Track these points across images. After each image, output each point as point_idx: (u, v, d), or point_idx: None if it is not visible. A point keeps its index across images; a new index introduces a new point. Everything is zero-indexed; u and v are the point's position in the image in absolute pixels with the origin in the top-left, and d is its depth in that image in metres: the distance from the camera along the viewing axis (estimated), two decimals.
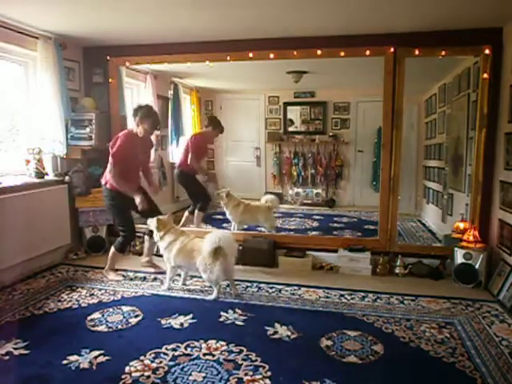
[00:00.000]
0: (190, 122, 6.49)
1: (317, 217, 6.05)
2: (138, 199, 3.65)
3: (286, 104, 6.78)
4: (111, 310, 3.15)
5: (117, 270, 4.01)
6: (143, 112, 3.63)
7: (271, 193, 6.06)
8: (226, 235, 3.32)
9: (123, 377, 2.28)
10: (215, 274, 3.28)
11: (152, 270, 4.00)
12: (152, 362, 2.43)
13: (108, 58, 4.55)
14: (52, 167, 4.27)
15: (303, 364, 2.44)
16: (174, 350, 2.56)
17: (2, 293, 3.41)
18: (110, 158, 3.63)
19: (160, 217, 3.59)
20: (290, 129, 6.84)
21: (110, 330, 2.84)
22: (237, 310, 3.14)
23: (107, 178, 3.71)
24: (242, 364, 2.41)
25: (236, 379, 2.27)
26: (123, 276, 3.87)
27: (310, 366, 2.42)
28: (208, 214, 6.28)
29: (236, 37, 4.10)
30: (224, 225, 5.36)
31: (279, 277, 3.90)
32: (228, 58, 4.21)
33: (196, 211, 5.04)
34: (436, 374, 2.36)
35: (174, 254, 3.46)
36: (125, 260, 4.35)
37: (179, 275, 3.67)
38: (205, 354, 2.52)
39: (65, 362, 2.42)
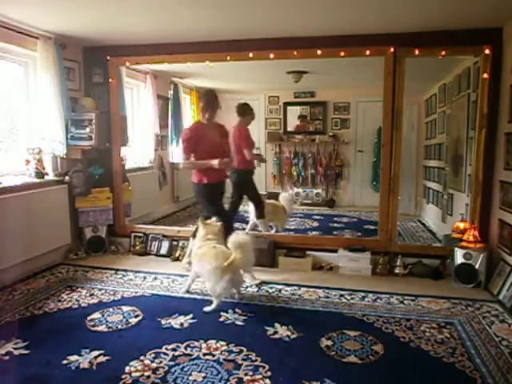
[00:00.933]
0: (190, 122, 6.50)
1: (317, 217, 6.06)
2: (215, 162, 3.61)
3: (286, 104, 6.79)
4: (111, 309, 3.15)
5: (117, 270, 4.01)
6: (200, 98, 3.88)
7: (273, 193, 6.08)
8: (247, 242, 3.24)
9: (123, 377, 2.28)
10: (219, 289, 3.10)
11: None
12: (152, 362, 2.43)
13: (108, 58, 4.55)
14: (52, 167, 4.26)
15: (303, 364, 2.44)
16: (174, 350, 2.56)
17: (1, 293, 3.41)
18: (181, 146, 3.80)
19: (208, 221, 3.51)
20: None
21: (110, 329, 2.84)
22: (237, 310, 3.14)
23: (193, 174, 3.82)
24: (241, 364, 2.41)
25: (236, 379, 2.27)
26: (122, 275, 3.88)
27: (310, 365, 2.42)
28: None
29: (236, 37, 4.10)
30: None
31: (279, 277, 3.90)
32: (228, 57, 4.21)
33: (257, 220, 4.81)
34: (436, 374, 2.36)
35: (195, 262, 3.39)
36: (123, 260, 4.36)
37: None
38: (205, 354, 2.52)
39: (65, 361, 2.42)
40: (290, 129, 6.87)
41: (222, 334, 2.75)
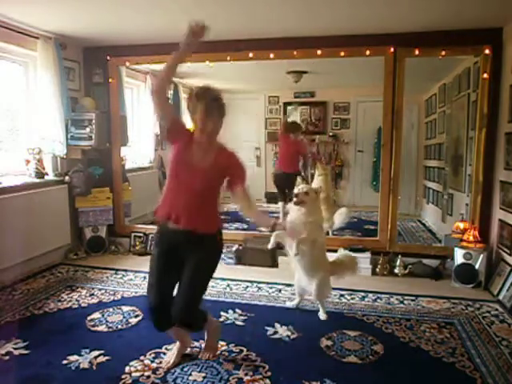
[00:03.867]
0: (190, 122, 6.49)
1: None
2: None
3: (286, 104, 6.78)
4: (111, 310, 3.15)
5: (117, 270, 4.02)
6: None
7: (272, 193, 6.09)
8: None
9: (123, 377, 2.28)
10: None
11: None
12: (152, 361, 2.43)
13: (108, 58, 4.55)
14: (52, 167, 4.26)
15: (303, 364, 2.44)
16: None
17: (1, 293, 3.41)
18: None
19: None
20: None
21: (110, 330, 2.84)
22: (237, 310, 3.14)
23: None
24: (241, 364, 2.41)
25: (236, 379, 2.27)
26: (122, 275, 3.88)
27: (310, 365, 2.42)
28: None
29: (236, 37, 4.10)
30: (224, 225, 5.35)
31: (279, 277, 3.89)
32: (228, 58, 4.21)
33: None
34: (436, 374, 2.36)
35: None
36: (123, 260, 4.35)
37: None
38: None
39: (65, 362, 2.42)
40: None
41: (222, 334, 2.74)
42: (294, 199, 2.96)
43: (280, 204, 5.46)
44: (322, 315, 3.07)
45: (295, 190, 2.98)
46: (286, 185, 5.21)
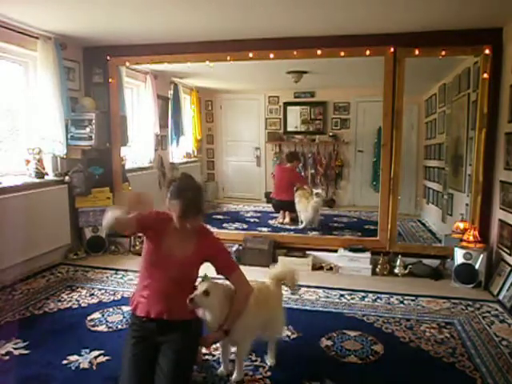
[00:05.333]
0: (190, 121, 6.51)
1: None
2: None
3: (286, 104, 6.80)
4: (111, 309, 3.15)
5: (117, 270, 4.01)
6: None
7: (271, 193, 6.10)
8: None
9: None
10: None
11: None
12: None
13: (108, 58, 4.55)
14: (52, 167, 4.26)
15: (303, 364, 2.44)
16: None
17: (1, 293, 3.41)
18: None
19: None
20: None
21: (110, 330, 2.84)
22: None
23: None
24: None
25: None
26: (122, 275, 3.88)
27: (310, 366, 2.42)
28: (208, 214, 6.29)
29: (236, 37, 4.10)
30: (224, 225, 5.36)
31: None
32: (228, 58, 4.21)
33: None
34: (436, 374, 2.36)
35: None
36: (123, 260, 4.35)
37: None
38: (205, 354, 2.51)
39: (65, 362, 2.42)
40: (290, 129, 6.88)
41: None
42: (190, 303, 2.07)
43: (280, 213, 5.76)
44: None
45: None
46: (283, 208, 5.72)
